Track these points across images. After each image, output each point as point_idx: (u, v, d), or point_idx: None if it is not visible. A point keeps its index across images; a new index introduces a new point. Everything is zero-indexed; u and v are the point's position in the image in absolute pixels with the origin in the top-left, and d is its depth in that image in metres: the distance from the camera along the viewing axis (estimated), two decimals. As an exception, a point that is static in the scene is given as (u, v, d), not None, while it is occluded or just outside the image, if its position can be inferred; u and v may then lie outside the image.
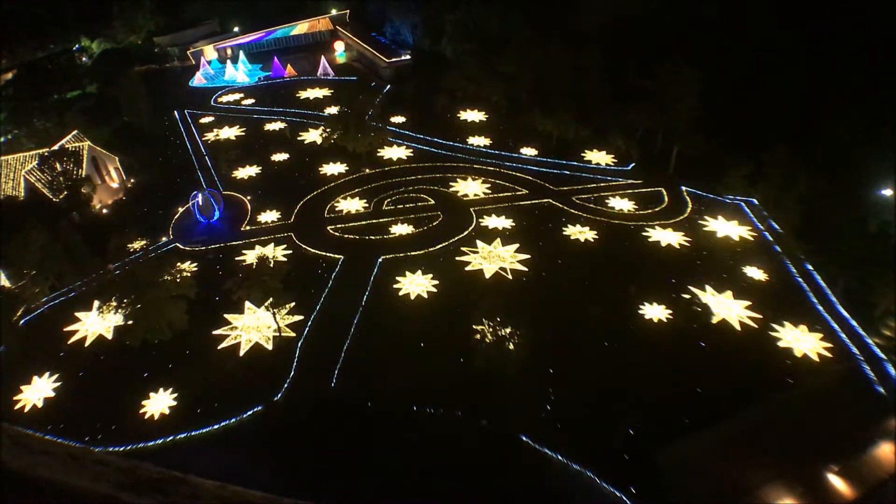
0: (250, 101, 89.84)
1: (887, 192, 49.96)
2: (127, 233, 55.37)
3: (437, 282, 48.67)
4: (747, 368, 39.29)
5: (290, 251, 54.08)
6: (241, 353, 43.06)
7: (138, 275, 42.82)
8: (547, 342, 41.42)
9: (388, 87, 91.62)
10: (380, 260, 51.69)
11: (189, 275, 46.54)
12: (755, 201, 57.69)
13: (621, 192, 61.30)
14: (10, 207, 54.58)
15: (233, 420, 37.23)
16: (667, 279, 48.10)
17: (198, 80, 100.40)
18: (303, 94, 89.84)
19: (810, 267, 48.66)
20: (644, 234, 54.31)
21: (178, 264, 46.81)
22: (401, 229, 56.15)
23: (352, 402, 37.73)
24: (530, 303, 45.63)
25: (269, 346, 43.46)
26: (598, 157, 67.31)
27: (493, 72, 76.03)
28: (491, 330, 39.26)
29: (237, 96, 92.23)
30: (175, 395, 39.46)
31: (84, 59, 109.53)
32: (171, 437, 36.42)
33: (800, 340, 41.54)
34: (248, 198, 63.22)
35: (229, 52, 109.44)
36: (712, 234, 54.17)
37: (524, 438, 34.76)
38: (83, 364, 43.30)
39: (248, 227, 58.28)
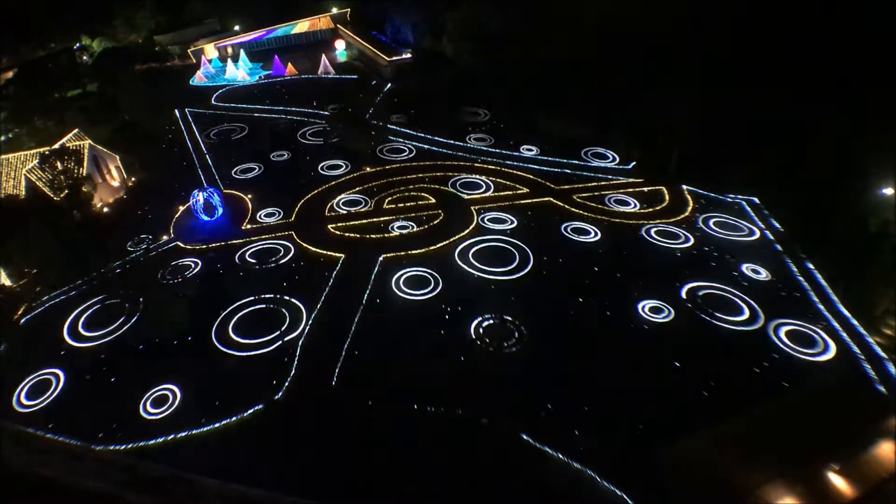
0: (251, 99, 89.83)
1: (888, 192, 49.91)
2: (128, 231, 55.39)
3: (437, 280, 48.74)
4: (748, 367, 39.26)
5: (291, 249, 54.21)
6: (242, 351, 43.11)
7: (139, 273, 42.90)
8: (548, 341, 41.51)
9: (389, 85, 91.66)
10: (381, 258, 51.76)
11: (190, 273, 46.58)
12: (756, 200, 57.78)
13: (622, 190, 61.42)
14: (11, 206, 54.60)
15: (233, 419, 37.27)
16: (668, 278, 48.15)
17: (198, 78, 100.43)
18: (303, 93, 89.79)
19: (811, 266, 48.69)
20: (645, 232, 54.40)
21: (179, 262, 46.88)
22: (402, 228, 56.26)
23: (352, 400, 37.78)
24: (531, 301, 45.69)
25: (270, 346, 43.50)
26: (601, 156, 67.35)
27: (493, 70, 76.03)
28: (492, 328, 39.22)
29: (238, 95, 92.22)
30: (176, 393, 39.49)
31: (85, 57, 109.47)
32: (171, 436, 36.41)
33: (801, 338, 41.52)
34: (249, 196, 63.33)
35: (230, 50, 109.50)
36: (713, 233, 54.22)
37: (524, 437, 34.78)
38: (84, 362, 43.27)
39: (249, 226, 58.35)
